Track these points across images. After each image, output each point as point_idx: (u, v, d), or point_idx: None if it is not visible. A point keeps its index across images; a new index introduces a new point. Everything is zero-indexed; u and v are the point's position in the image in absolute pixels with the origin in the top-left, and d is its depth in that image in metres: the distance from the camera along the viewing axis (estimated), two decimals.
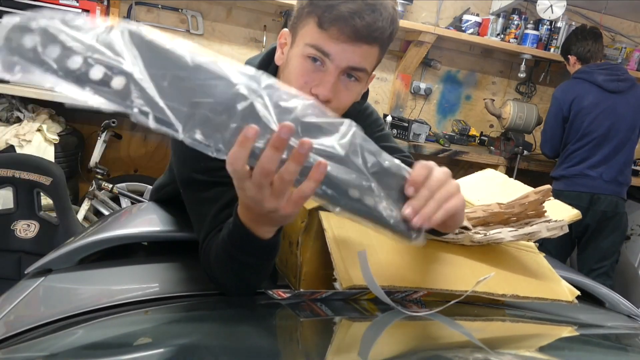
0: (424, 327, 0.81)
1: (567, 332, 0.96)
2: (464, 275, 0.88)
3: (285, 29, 0.97)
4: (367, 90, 1.10)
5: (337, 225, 0.86)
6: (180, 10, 2.98)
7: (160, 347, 0.68)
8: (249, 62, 1.06)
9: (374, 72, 1.00)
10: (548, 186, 0.94)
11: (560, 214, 1.08)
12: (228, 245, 0.77)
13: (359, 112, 1.14)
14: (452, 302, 0.84)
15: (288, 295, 0.84)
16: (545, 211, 0.96)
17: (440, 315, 0.82)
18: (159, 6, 2.95)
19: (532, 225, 0.94)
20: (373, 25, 0.86)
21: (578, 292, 0.97)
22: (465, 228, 0.93)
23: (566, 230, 0.95)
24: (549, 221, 0.95)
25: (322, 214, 0.87)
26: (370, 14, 0.86)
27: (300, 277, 0.87)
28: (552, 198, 0.97)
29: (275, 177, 0.61)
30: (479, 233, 0.94)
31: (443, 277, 0.88)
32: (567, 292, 0.96)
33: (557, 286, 0.96)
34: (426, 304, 0.87)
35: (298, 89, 0.89)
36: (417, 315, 0.81)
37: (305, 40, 0.89)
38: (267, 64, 1.02)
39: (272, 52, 1.02)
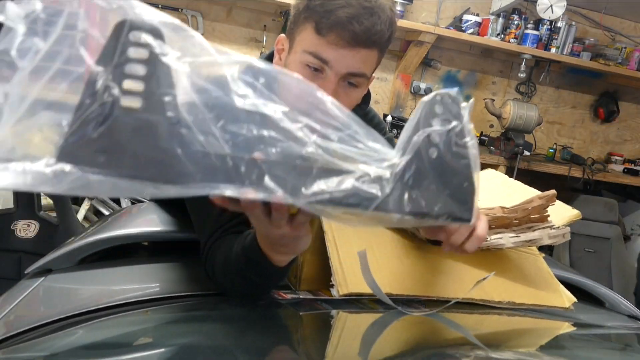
0: (424, 326, 0.81)
1: (567, 332, 0.96)
2: (463, 283, 0.88)
3: (282, 35, 0.96)
4: (369, 94, 1.09)
5: (337, 227, 0.86)
6: (180, 10, 2.97)
7: (160, 347, 0.68)
8: None
9: (373, 74, 1.00)
10: (553, 191, 0.93)
11: (560, 214, 1.08)
12: (241, 263, 0.76)
13: (361, 117, 1.14)
14: (452, 302, 0.84)
15: (290, 296, 0.84)
16: (548, 215, 0.95)
17: (441, 315, 0.82)
18: (159, 6, 2.95)
19: (535, 230, 0.94)
20: (372, 29, 0.85)
21: (574, 299, 0.98)
22: None
23: (568, 237, 0.94)
24: (551, 227, 0.94)
25: None
26: (369, 18, 0.85)
27: (300, 277, 0.87)
28: (555, 203, 0.96)
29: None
30: None
31: (441, 284, 0.88)
32: (563, 298, 0.96)
33: (554, 292, 0.96)
34: (426, 304, 0.87)
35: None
36: (417, 315, 0.81)
37: (303, 47, 0.88)
38: None
39: (271, 56, 1.01)
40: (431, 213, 0.56)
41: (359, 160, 0.54)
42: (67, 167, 0.44)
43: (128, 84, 0.46)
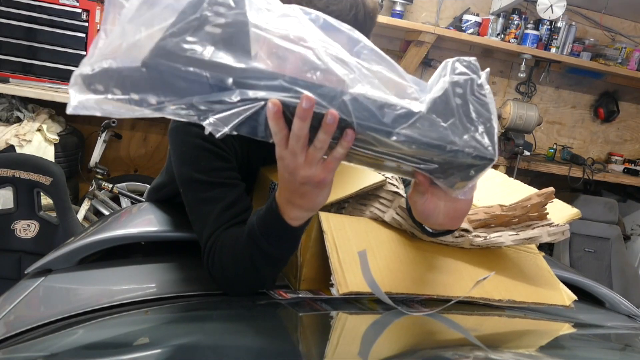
0: (424, 326, 0.81)
1: (567, 332, 0.96)
2: (462, 280, 0.88)
3: None
4: None
5: (336, 227, 0.86)
6: None
7: (160, 347, 0.68)
8: None
9: None
10: (551, 188, 0.94)
11: (559, 212, 1.08)
12: (254, 231, 0.78)
13: None
14: (452, 302, 0.84)
15: (290, 296, 0.84)
16: (547, 213, 0.95)
17: (441, 315, 0.82)
18: None
19: (534, 228, 0.94)
20: (325, 10, 0.83)
21: (575, 297, 0.97)
22: (466, 230, 0.93)
23: (567, 235, 0.94)
24: (550, 225, 0.94)
25: (322, 215, 0.87)
26: (321, 0, 0.84)
27: (300, 277, 0.87)
28: (554, 200, 0.96)
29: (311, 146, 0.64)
30: (479, 236, 0.93)
31: (441, 282, 0.88)
32: (564, 296, 0.96)
33: (555, 290, 0.96)
34: (426, 304, 0.87)
35: None
36: (417, 315, 0.81)
37: None
38: None
39: None
40: (457, 144, 0.62)
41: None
42: (160, 60, 0.56)
43: (218, 10, 0.58)
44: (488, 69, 0.68)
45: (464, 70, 0.64)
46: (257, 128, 0.61)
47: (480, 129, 0.63)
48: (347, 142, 0.62)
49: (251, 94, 0.58)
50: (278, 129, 0.62)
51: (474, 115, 0.63)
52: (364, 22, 0.89)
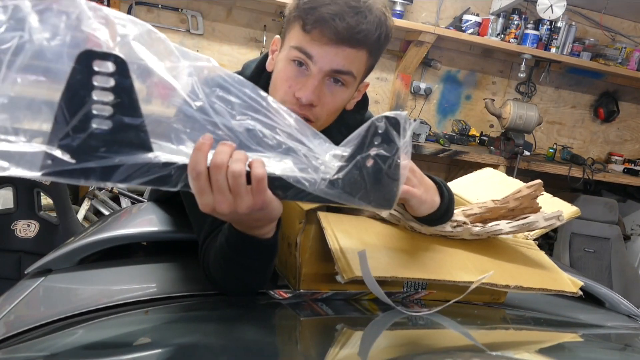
0: (423, 328, 0.81)
1: (567, 332, 0.96)
2: (466, 266, 0.88)
3: (277, 36, 0.98)
4: (367, 100, 1.09)
5: (335, 223, 0.86)
6: (180, 10, 2.97)
7: (160, 347, 0.68)
8: (246, 66, 1.07)
9: (367, 81, 1.00)
10: (539, 181, 0.95)
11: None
12: (226, 250, 0.77)
13: (360, 124, 1.12)
14: (452, 302, 0.84)
15: (289, 295, 0.84)
16: (540, 207, 0.96)
17: (440, 315, 0.82)
18: (159, 6, 2.95)
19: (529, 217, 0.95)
20: (356, 27, 0.86)
21: (581, 283, 0.97)
22: (464, 223, 0.94)
23: (563, 220, 0.95)
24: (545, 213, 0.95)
25: (321, 214, 0.87)
26: (353, 17, 0.85)
27: (299, 277, 0.87)
28: (544, 193, 0.97)
29: (228, 177, 0.63)
30: (477, 226, 0.94)
31: (445, 268, 0.88)
32: (569, 283, 0.96)
33: (560, 277, 0.96)
34: (426, 304, 0.87)
35: (283, 94, 0.92)
36: (417, 315, 0.81)
37: (291, 43, 0.90)
38: (262, 70, 1.02)
39: (266, 57, 1.02)
40: (357, 202, 0.68)
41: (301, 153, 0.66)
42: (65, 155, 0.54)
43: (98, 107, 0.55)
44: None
45: (384, 133, 0.66)
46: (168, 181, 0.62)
47: (384, 193, 0.68)
48: (256, 160, 0.63)
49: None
50: (200, 183, 0.63)
51: (381, 186, 0.68)
52: (384, 42, 0.93)
